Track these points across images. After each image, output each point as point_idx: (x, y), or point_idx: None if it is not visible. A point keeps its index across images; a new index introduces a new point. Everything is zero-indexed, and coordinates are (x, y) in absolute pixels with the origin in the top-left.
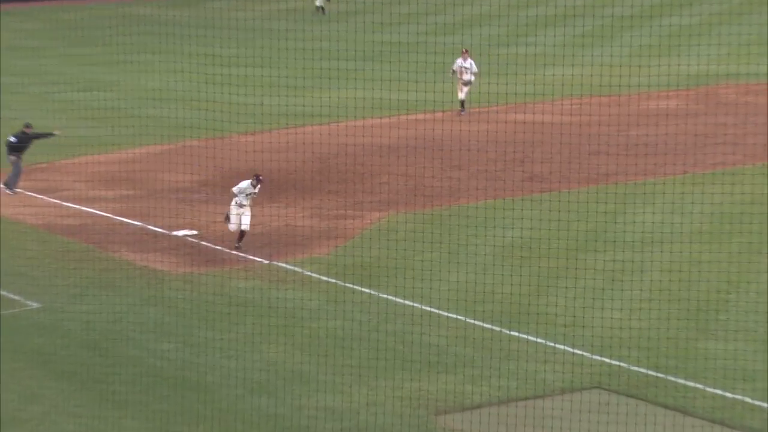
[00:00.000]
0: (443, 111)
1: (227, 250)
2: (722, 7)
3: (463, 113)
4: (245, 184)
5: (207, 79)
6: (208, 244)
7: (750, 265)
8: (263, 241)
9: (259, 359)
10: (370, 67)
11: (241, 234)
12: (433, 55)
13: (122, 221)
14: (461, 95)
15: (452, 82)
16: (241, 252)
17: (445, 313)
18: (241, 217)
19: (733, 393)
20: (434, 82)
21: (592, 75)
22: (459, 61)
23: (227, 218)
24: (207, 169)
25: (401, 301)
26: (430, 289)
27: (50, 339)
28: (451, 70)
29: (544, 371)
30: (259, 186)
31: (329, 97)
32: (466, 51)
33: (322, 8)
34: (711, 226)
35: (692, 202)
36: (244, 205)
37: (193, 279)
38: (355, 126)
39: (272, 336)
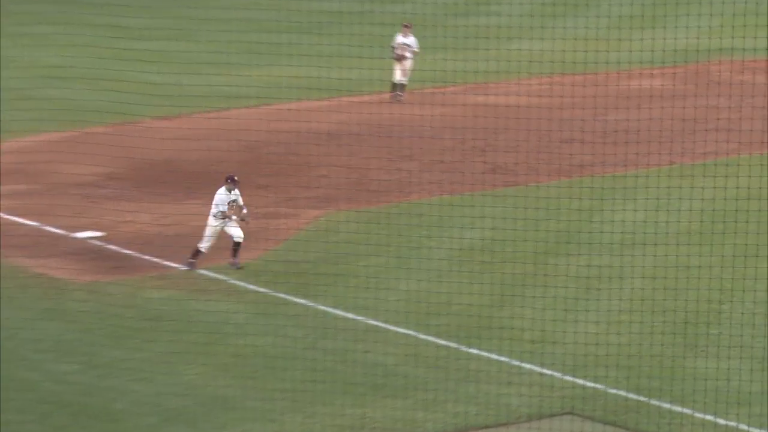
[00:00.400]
0: (391, 91)
1: (138, 255)
2: None
3: (401, 97)
4: (221, 194)
5: (115, 55)
6: (117, 248)
7: (746, 270)
8: (181, 245)
9: (176, 383)
10: (306, 41)
11: (235, 247)
12: (379, 27)
13: (15, 221)
14: (400, 77)
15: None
16: (236, 269)
17: (394, 328)
18: (230, 229)
19: (726, 419)
20: (381, 58)
21: (564, 50)
22: (399, 37)
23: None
24: (115, 160)
25: (342, 314)
26: (376, 299)
27: None
28: (390, 48)
29: (509, 395)
30: (236, 189)
31: (258, 76)
32: (408, 25)
33: None
34: (701, 226)
35: (680, 198)
36: (228, 218)
37: (99, 289)
38: (288, 109)
39: (191, 355)
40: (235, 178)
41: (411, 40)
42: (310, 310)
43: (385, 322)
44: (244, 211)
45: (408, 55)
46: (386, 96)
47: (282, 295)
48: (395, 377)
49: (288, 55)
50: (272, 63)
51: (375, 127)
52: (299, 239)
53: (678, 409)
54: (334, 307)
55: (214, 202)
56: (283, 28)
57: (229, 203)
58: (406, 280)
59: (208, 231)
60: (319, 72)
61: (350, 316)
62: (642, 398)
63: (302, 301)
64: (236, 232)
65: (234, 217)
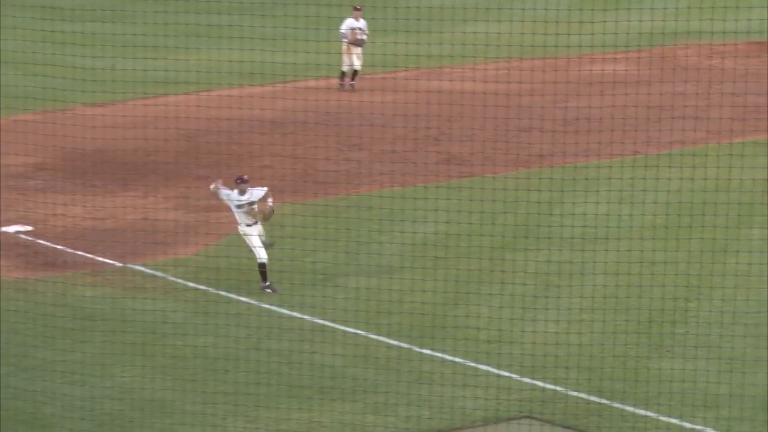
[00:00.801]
0: (337, 77)
1: (70, 250)
2: None
3: (352, 85)
4: (233, 200)
5: (44, 38)
6: (47, 243)
7: (714, 266)
8: (115, 239)
9: (111, 385)
10: (248, 23)
11: (261, 269)
12: (326, 8)
13: None
14: (356, 63)
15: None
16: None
17: (342, 327)
18: (255, 249)
19: (692, 422)
20: (328, 41)
21: (523, 33)
22: (350, 21)
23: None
24: (45, 150)
25: (287, 312)
26: (324, 297)
27: None
28: (340, 33)
29: (464, 397)
30: (246, 191)
31: (197, 60)
32: (359, 8)
33: None
34: (667, 219)
35: (644, 190)
36: (250, 224)
37: (28, 286)
38: (230, 96)
39: (127, 357)
40: (245, 177)
41: (362, 23)
42: (253, 308)
43: (333, 321)
44: (269, 203)
45: (364, 38)
46: (334, 82)
47: (223, 293)
48: (344, 379)
49: (229, 38)
50: (212, 46)
51: (322, 114)
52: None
53: (642, 412)
54: (279, 305)
55: (229, 201)
56: (224, 8)
57: (240, 207)
58: (355, 277)
59: (249, 241)
60: (263, 56)
61: (296, 314)
62: (604, 401)
63: (245, 299)
64: (260, 252)
65: (258, 222)
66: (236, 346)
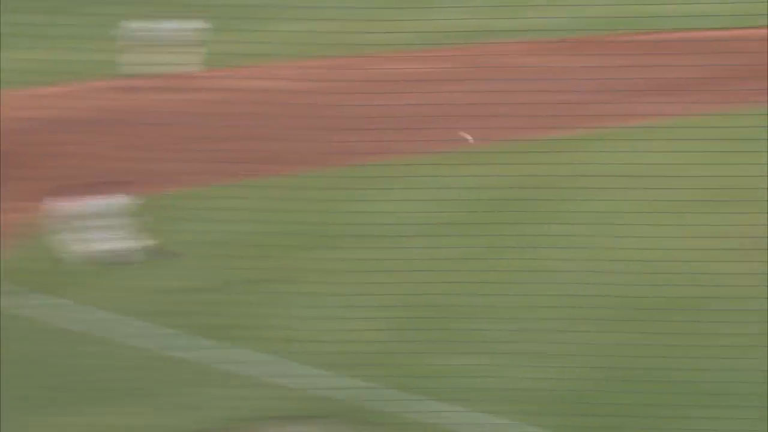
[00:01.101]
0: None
1: None
2: None
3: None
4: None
5: None
6: None
7: (512, 262)
8: None
9: None
10: (33, 21)
11: None
12: (112, 6)
13: None
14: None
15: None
16: None
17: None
18: None
19: (489, 415)
20: (112, 40)
21: (324, 32)
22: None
23: None
24: None
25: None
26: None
27: None
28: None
29: (249, 398)
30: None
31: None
32: None
33: None
34: (466, 216)
35: (444, 187)
36: None
37: None
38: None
39: None
40: None
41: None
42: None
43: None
44: None
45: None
46: (121, 82)
47: None
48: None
49: (12, 36)
50: None
51: (110, 114)
52: (15, 236)
53: (439, 406)
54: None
55: None
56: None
57: None
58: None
59: None
60: (48, 54)
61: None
62: (401, 397)
63: None
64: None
65: None
66: None
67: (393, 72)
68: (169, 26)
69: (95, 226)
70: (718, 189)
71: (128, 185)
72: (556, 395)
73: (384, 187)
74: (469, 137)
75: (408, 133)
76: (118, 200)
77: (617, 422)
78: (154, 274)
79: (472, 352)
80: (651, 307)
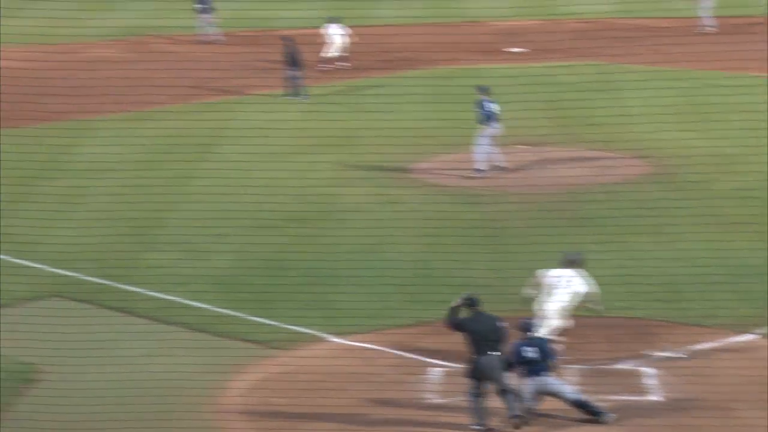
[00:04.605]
0: None
1: None
2: None
3: None
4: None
5: None
6: None
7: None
8: None
9: None
10: None
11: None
12: None
13: None
14: None
15: None
16: None
17: None
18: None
19: (170, 295)
20: None
21: None
22: None
23: None
24: None
25: None
26: None
27: None
28: None
29: (9, 283)
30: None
31: None
32: None
33: None
34: (143, 156)
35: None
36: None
37: None
38: None
39: None
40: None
41: None
42: None
43: None
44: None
45: None
46: None
47: None
48: None
49: None
50: None
51: None
52: None
53: (134, 289)
54: None
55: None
56: None
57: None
58: None
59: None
60: None
61: None
62: (108, 282)
63: None
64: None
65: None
66: None
67: (90, 54)
68: None
69: None
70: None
71: None
72: (218, 280)
73: (90, 137)
74: None
75: (96, 98)
76: None
77: (261, 297)
78: None
79: (164, 251)
80: (283, 219)
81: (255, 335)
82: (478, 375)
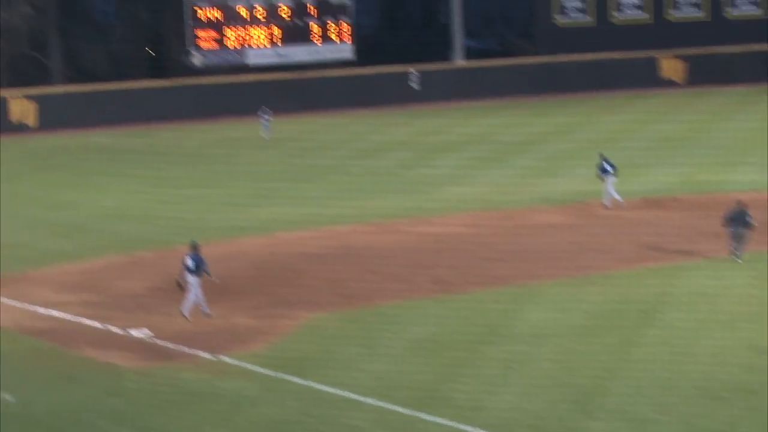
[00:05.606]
0: (361, 223)
1: (176, 347)
2: None
3: None
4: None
5: (159, 198)
6: (161, 342)
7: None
8: (208, 338)
9: None
10: (297, 187)
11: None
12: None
13: (85, 323)
14: None
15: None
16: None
17: (365, 399)
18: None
19: None
20: (351, 199)
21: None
22: None
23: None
24: (158, 277)
25: (327, 389)
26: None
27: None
28: None
29: None
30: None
31: (265, 213)
32: None
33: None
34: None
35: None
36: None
37: (148, 372)
38: (287, 237)
39: (216, 420)
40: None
41: None
42: (303, 386)
43: (359, 394)
44: None
45: None
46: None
47: (283, 375)
48: None
49: (287, 197)
50: (273, 203)
51: (350, 249)
52: (294, 334)
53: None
54: (321, 383)
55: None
56: (279, 177)
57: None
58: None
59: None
60: (311, 209)
61: (332, 390)
62: None
63: (297, 379)
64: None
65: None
66: (292, 413)
67: (532, 220)
68: None
69: None
70: None
71: (353, 299)
72: None
73: (533, 302)
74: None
75: (541, 263)
76: None
77: None
78: None
79: (604, 419)
80: (731, 389)
81: None
82: None
